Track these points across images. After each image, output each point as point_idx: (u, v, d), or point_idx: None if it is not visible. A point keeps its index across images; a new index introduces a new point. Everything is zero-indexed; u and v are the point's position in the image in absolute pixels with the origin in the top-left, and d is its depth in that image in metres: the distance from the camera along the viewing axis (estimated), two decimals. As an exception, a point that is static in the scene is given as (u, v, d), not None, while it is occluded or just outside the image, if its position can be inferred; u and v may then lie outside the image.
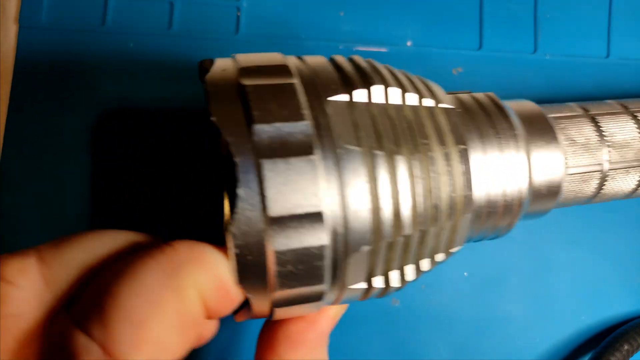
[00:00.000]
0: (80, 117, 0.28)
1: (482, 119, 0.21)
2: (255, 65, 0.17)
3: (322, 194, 0.16)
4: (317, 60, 0.19)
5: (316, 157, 0.16)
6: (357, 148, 0.17)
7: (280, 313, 0.17)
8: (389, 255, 0.18)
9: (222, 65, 0.17)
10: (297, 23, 0.30)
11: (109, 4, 0.29)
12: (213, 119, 0.16)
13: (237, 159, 0.15)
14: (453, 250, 0.20)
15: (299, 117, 0.16)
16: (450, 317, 0.30)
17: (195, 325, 0.16)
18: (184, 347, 0.16)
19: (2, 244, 0.27)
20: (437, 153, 0.18)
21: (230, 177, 0.15)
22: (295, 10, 0.30)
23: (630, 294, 0.31)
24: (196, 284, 0.15)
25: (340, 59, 0.19)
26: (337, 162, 0.16)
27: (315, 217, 0.16)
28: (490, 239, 0.23)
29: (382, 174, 0.17)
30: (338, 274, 0.17)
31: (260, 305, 0.17)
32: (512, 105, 0.23)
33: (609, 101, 0.26)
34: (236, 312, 0.18)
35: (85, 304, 0.15)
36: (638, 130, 0.25)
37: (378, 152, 0.17)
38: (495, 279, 0.30)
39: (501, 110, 0.22)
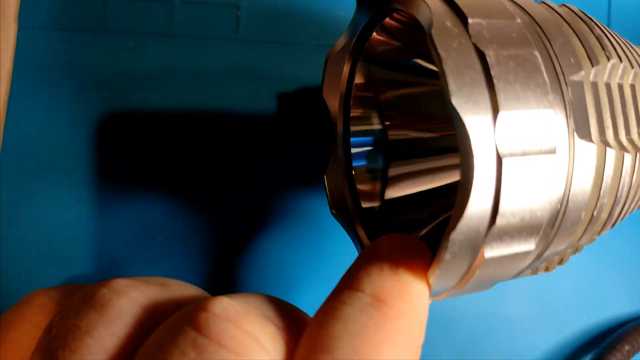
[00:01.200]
0: (80, 117, 0.28)
1: None
2: (487, 22, 0.14)
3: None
4: (540, 14, 0.16)
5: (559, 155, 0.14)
6: (595, 145, 0.15)
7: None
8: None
9: (438, 10, 0.14)
10: (295, 22, 0.30)
11: (109, 4, 0.29)
12: (453, 101, 0.12)
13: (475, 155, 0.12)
14: None
15: (544, 104, 0.13)
16: (451, 318, 0.30)
17: None
18: None
19: None
20: None
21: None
22: (295, 7, 0.30)
23: (631, 294, 0.31)
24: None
25: (564, 12, 0.17)
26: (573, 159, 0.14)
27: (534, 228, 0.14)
28: None
29: (609, 173, 0.15)
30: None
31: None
32: None
33: None
34: None
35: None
36: None
37: (610, 149, 0.15)
38: (496, 279, 0.30)
39: None
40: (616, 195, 0.16)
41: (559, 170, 0.14)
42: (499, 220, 0.13)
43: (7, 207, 0.27)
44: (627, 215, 0.18)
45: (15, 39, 0.28)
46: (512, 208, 0.13)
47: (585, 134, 0.14)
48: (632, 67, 0.16)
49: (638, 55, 0.17)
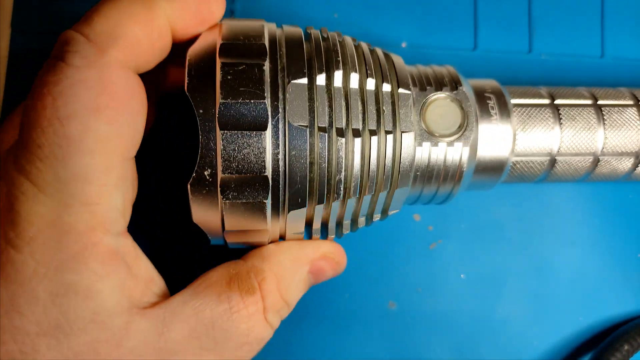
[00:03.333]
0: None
1: (434, 91, 0.23)
2: (233, 44, 0.20)
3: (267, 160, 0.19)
4: (292, 35, 0.22)
5: (267, 132, 0.19)
6: (304, 127, 0.20)
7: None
8: (326, 211, 0.21)
9: (205, 41, 0.21)
10: (291, 24, 0.30)
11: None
12: (186, 92, 0.19)
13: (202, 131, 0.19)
14: (391, 212, 0.23)
15: (260, 97, 0.19)
16: (448, 319, 0.29)
17: (161, 36, 0.20)
18: (150, 56, 0.20)
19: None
20: (381, 131, 0.21)
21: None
22: (289, 11, 0.30)
23: (629, 294, 0.31)
24: (165, 8, 0.20)
25: (314, 35, 0.22)
26: (285, 137, 0.20)
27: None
28: (438, 204, 0.25)
29: (322, 148, 0.20)
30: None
31: None
32: (474, 82, 0.25)
33: (582, 90, 0.26)
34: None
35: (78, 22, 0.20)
36: (596, 122, 0.25)
37: (324, 134, 0.20)
38: (492, 280, 0.30)
39: (456, 82, 0.23)
40: (330, 167, 0.20)
41: (268, 143, 0.19)
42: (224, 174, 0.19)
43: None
44: (367, 190, 0.21)
45: (8, 43, 0.28)
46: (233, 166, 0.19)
47: (296, 120, 0.20)
48: (366, 74, 0.21)
49: (378, 63, 0.22)
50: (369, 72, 0.21)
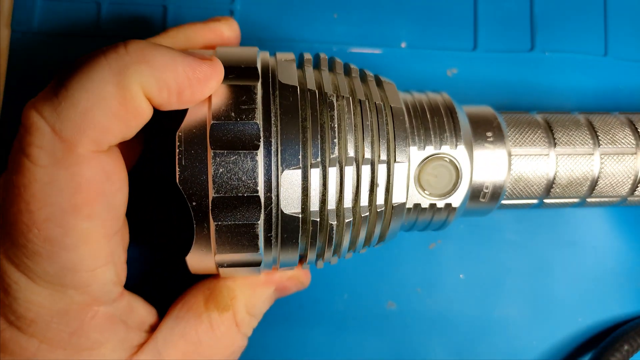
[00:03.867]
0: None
1: (427, 119, 0.23)
2: (225, 126, 0.19)
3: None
4: (287, 98, 0.20)
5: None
6: (296, 214, 0.20)
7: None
8: (318, 238, 0.21)
9: (194, 119, 0.19)
10: (290, 25, 0.30)
11: (102, 8, 0.29)
12: (178, 185, 0.19)
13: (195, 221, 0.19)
14: (383, 242, 0.23)
15: (253, 191, 0.19)
16: (447, 320, 0.29)
17: (139, 115, 0.18)
18: (126, 133, 0.18)
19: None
20: (372, 209, 0.21)
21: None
22: (289, 12, 0.30)
23: (628, 294, 0.30)
24: (140, 82, 0.18)
25: (309, 91, 0.21)
26: (278, 226, 0.20)
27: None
28: (435, 230, 0.25)
29: (313, 231, 0.21)
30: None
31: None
32: (468, 109, 0.24)
33: (579, 118, 0.26)
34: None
35: (45, 92, 0.18)
36: (591, 150, 0.25)
37: (316, 220, 0.20)
38: (491, 281, 0.30)
39: (451, 110, 0.23)
40: (319, 239, 0.21)
41: (261, 230, 0.20)
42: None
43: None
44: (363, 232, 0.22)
45: (8, 43, 0.28)
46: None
47: (289, 209, 0.20)
48: (363, 145, 0.21)
49: (376, 123, 0.22)
50: (366, 149, 0.21)
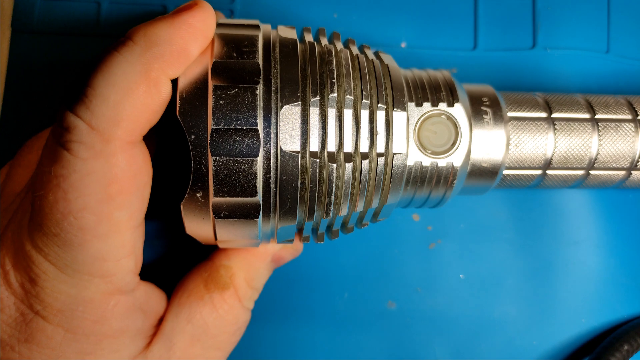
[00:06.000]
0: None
1: (424, 81, 0.23)
2: (226, 63, 0.20)
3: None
4: (287, 46, 0.21)
5: (259, 160, 0.20)
6: (296, 153, 0.20)
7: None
8: (318, 184, 0.21)
9: (197, 60, 0.20)
10: (290, 24, 0.30)
11: (102, 7, 0.29)
12: (178, 117, 0.19)
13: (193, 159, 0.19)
14: (380, 219, 0.23)
15: (252, 124, 0.19)
16: (447, 319, 0.29)
17: (162, 96, 0.19)
18: (153, 118, 0.19)
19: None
20: (373, 153, 0.21)
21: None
22: (289, 11, 0.30)
23: (629, 294, 0.30)
24: (158, 64, 0.19)
25: (309, 46, 0.22)
26: (277, 162, 0.20)
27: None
28: (432, 207, 0.25)
29: (313, 173, 0.20)
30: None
31: None
32: (469, 88, 0.25)
33: (578, 98, 0.26)
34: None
35: (72, 96, 0.19)
36: (589, 136, 0.25)
37: (315, 160, 0.20)
38: (492, 280, 0.30)
39: (453, 94, 0.23)
40: (320, 190, 0.21)
41: (260, 169, 0.20)
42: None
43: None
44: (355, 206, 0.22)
45: (8, 43, 0.28)
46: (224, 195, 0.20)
47: (288, 145, 0.20)
48: (361, 96, 0.21)
49: (374, 78, 0.22)
50: (364, 93, 0.21)
